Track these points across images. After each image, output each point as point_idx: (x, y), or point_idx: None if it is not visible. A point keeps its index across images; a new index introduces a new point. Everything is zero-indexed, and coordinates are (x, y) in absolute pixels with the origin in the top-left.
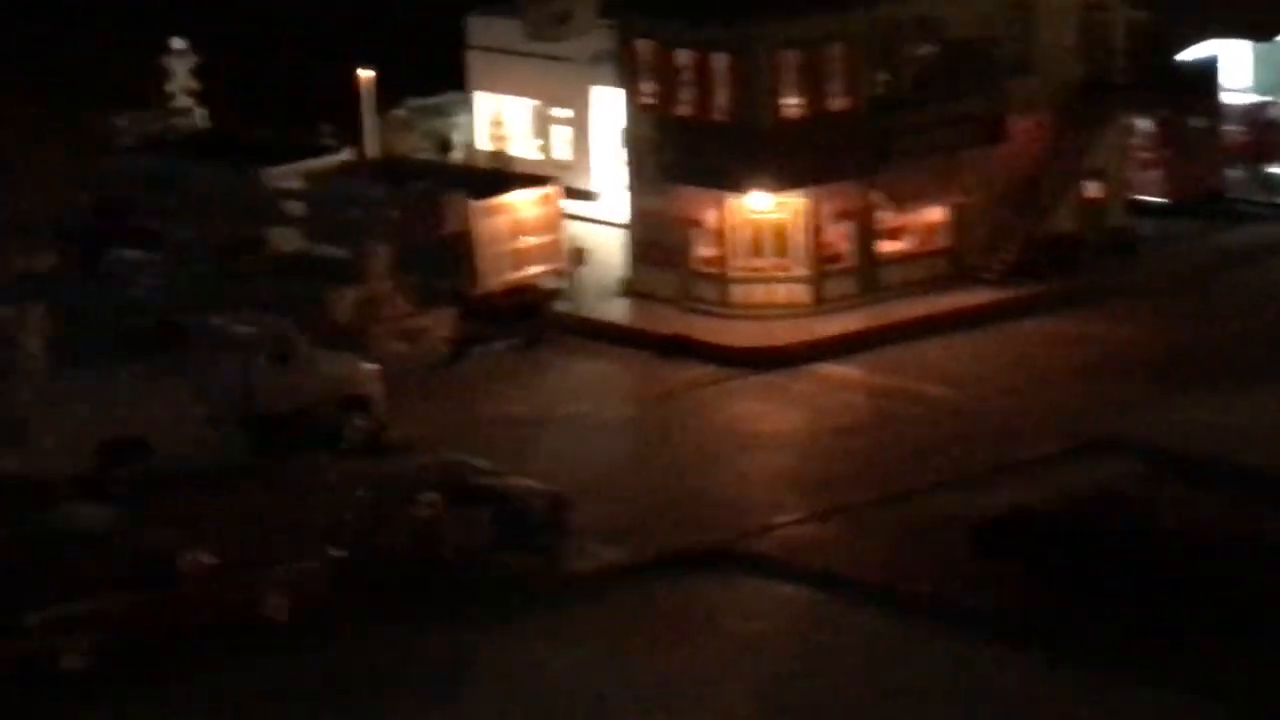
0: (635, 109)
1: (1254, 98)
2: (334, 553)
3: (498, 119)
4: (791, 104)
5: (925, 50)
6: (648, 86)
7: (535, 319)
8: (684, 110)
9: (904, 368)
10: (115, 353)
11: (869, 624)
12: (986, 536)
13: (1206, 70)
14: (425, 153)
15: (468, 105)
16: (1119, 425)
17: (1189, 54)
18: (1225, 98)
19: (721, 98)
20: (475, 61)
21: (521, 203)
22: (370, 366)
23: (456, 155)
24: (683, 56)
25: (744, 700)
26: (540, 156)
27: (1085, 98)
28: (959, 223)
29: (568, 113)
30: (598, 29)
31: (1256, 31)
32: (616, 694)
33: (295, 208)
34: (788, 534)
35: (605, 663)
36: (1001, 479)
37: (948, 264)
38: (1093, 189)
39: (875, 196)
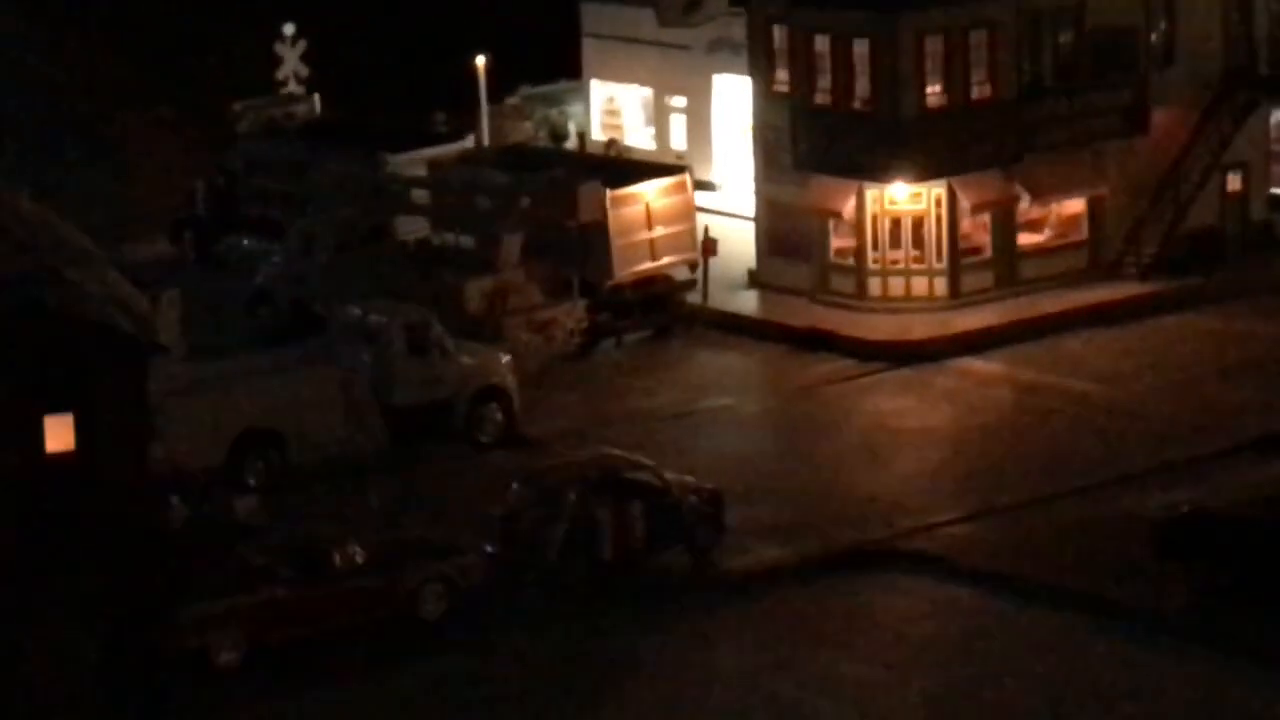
0: (766, 97)
1: None
2: (488, 548)
3: (612, 107)
4: (934, 92)
5: (1068, 38)
6: (781, 74)
7: (666, 310)
8: (821, 98)
9: (1049, 363)
10: (248, 341)
11: (1041, 626)
12: (1167, 535)
13: None
14: (540, 141)
15: (581, 93)
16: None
17: None
18: None
19: (862, 85)
20: (590, 49)
21: (653, 192)
22: (505, 358)
23: (570, 144)
24: (821, 43)
25: (918, 704)
26: (655, 146)
27: (1228, 88)
28: (1098, 215)
29: (684, 101)
30: (727, 16)
31: None
32: (785, 697)
33: (420, 196)
34: (949, 533)
35: (772, 664)
36: (1165, 478)
37: (1087, 258)
38: (1234, 182)
39: (1016, 188)
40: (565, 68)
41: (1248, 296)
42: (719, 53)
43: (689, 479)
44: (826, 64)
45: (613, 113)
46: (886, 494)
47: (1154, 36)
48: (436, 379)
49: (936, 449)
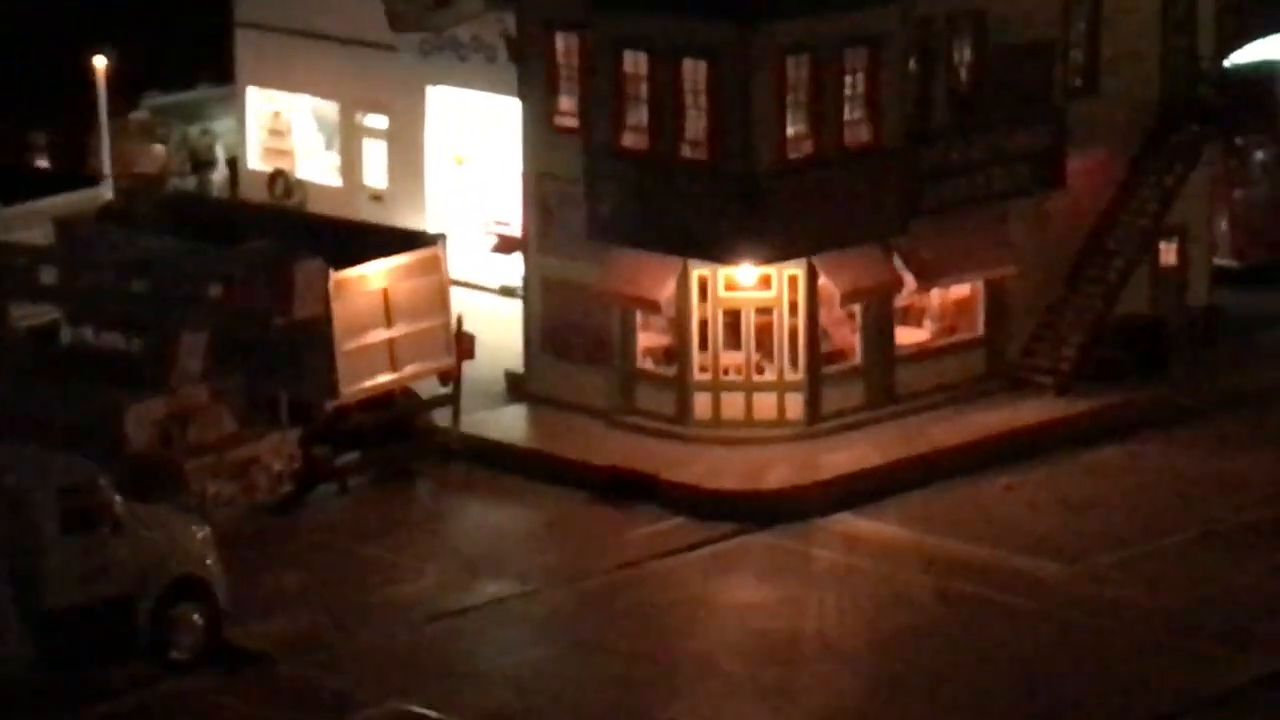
0: (544, 134)
1: None
2: None
3: (277, 125)
4: (798, 135)
5: (966, 59)
6: (566, 102)
7: (409, 441)
8: (632, 140)
9: (967, 525)
10: None
11: None
12: None
13: (1265, 80)
14: (181, 172)
15: (233, 105)
16: None
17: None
18: None
19: (695, 124)
20: (246, 45)
21: (395, 273)
22: (204, 531)
23: (219, 174)
24: (635, 61)
25: None
26: (340, 181)
27: (1166, 125)
28: (1000, 302)
29: (384, 121)
30: (489, 15)
31: None
32: None
33: (47, 272)
34: None
35: None
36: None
37: (985, 362)
38: (1168, 254)
39: (897, 267)
40: (210, 69)
41: (1209, 415)
42: (436, 56)
43: None
44: (642, 92)
45: (278, 133)
46: None
47: (1072, 56)
48: (107, 568)
49: (845, 674)
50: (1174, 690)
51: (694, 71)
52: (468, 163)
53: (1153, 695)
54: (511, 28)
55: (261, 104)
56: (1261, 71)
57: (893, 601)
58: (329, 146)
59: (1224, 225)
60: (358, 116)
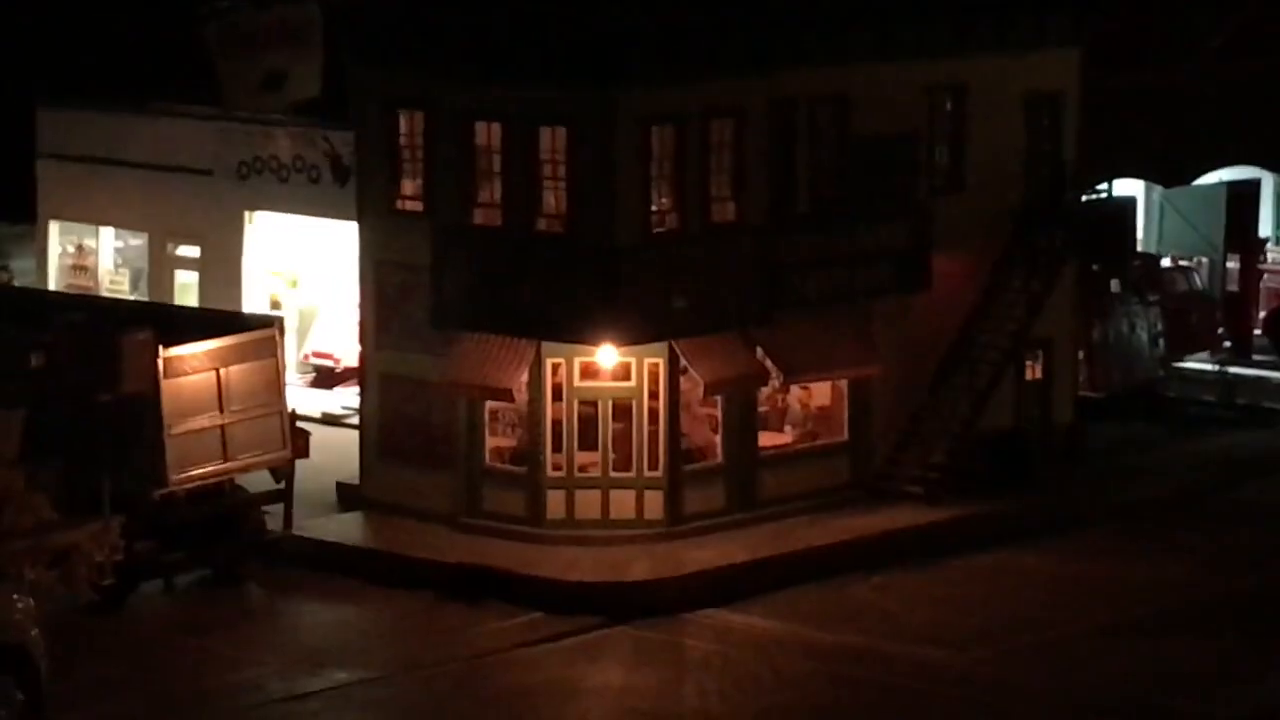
0: (383, 220)
1: (1162, 259)
2: None
3: (81, 260)
4: (662, 209)
5: (828, 145)
6: (408, 185)
7: (238, 538)
8: (484, 217)
9: (840, 615)
10: None
11: None
12: None
13: (1121, 216)
14: None
15: (32, 241)
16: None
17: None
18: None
19: (552, 198)
20: (48, 175)
21: (229, 352)
22: (24, 601)
23: None
24: (486, 133)
25: None
26: None
27: (1028, 230)
28: (863, 406)
29: (197, 251)
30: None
31: (1163, 173)
32: None
33: None
34: None
35: None
36: None
37: (849, 468)
38: (1034, 369)
39: (762, 360)
40: (9, 205)
41: (1077, 528)
42: (256, 179)
43: None
44: (494, 165)
45: (82, 268)
46: None
47: (936, 151)
48: None
49: None
50: None
51: (552, 140)
52: (289, 293)
53: None
54: (336, 146)
55: (64, 238)
56: (1117, 206)
57: (781, 686)
58: (138, 281)
59: (1080, 355)
60: (170, 247)
